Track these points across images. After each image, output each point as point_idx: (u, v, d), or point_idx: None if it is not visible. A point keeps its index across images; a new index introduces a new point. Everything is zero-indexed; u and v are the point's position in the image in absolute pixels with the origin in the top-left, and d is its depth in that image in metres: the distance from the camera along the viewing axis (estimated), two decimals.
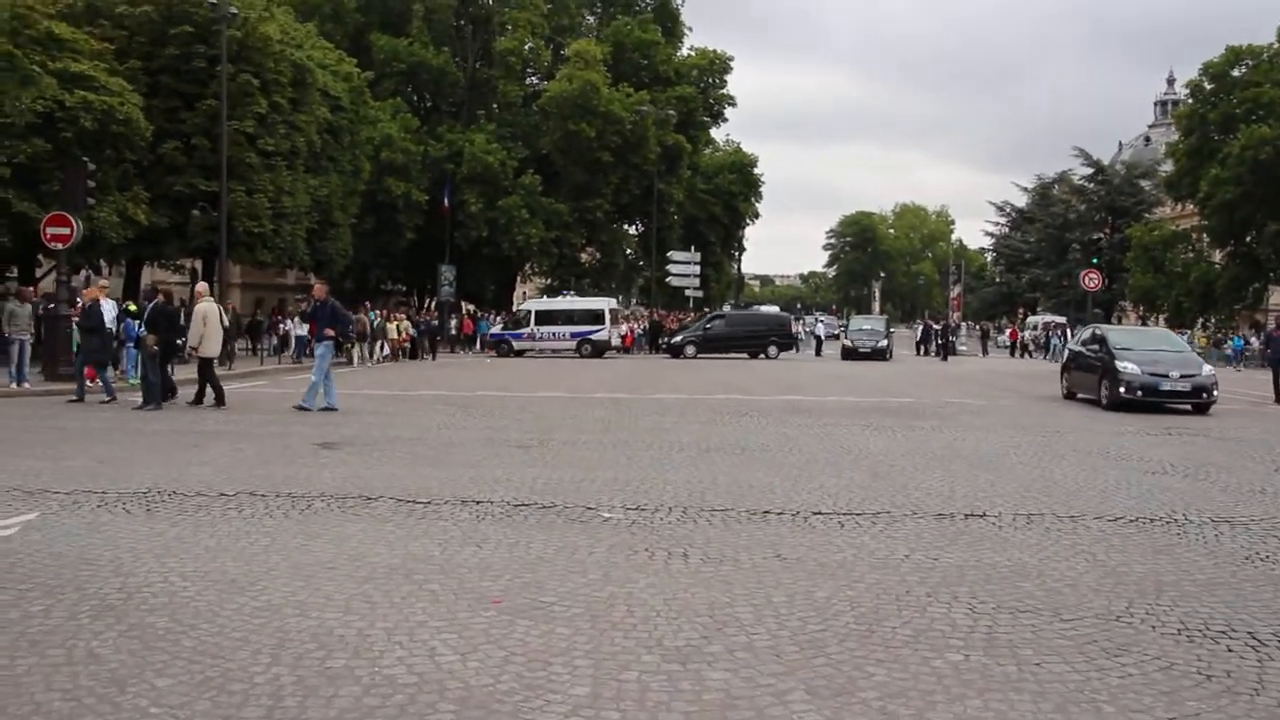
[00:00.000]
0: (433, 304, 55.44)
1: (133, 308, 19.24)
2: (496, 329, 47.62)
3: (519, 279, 68.37)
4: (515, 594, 6.33)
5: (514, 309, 57.10)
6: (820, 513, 9.10)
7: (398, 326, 38.25)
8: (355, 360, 33.30)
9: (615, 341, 46.23)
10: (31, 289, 26.80)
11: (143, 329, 18.86)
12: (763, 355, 44.40)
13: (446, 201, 51.19)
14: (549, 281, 63.00)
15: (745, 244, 79.74)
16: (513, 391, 23.33)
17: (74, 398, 18.86)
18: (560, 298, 51.83)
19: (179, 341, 19.02)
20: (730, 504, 9.44)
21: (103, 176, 27.07)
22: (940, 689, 4.83)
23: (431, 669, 4.98)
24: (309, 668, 4.97)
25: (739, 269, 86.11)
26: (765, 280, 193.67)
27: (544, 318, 45.23)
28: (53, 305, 23.51)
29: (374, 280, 58.94)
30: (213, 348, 18.58)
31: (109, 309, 20.57)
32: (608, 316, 45.12)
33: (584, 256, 62.73)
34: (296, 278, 57.76)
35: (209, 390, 18.38)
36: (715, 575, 6.86)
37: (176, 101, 33.07)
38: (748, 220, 73.51)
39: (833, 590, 6.53)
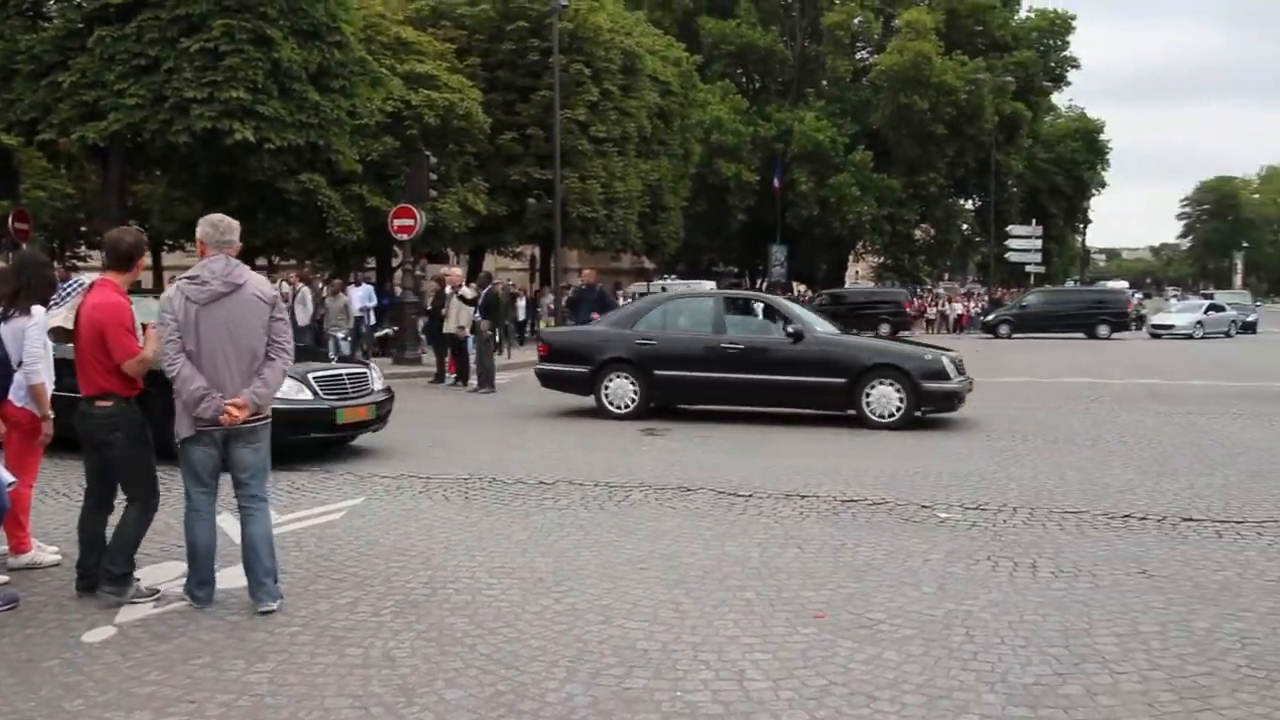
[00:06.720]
0: (764, 285, 55.39)
1: (469, 294, 20.02)
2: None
3: (851, 258, 67.10)
4: (839, 607, 5.68)
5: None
6: (1191, 519, 7.89)
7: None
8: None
9: None
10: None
11: (478, 315, 19.42)
12: (1086, 335, 40.70)
13: (777, 182, 51.09)
14: (882, 260, 61.57)
15: (1090, 216, 74.55)
16: None
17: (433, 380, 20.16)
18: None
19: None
20: (1083, 505, 8.39)
21: (445, 169, 28.33)
22: None
23: (739, 697, 4.44)
24: (606, 687, 4.54)
25: (1083, 243, 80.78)
26: (1112, 254, 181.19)
27: None
28: (400, 293, 24.88)
29: (706, 262, 59.52)
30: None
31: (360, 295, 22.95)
32: None
33: (917, 233, 60.81)
34: (631, 262, 59.06)
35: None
36: (1069, 594, 5.95)
37: (513, 95, 34.25)
38: (1093, 190, 68.63)
39: (1214, 620, 5.48)
